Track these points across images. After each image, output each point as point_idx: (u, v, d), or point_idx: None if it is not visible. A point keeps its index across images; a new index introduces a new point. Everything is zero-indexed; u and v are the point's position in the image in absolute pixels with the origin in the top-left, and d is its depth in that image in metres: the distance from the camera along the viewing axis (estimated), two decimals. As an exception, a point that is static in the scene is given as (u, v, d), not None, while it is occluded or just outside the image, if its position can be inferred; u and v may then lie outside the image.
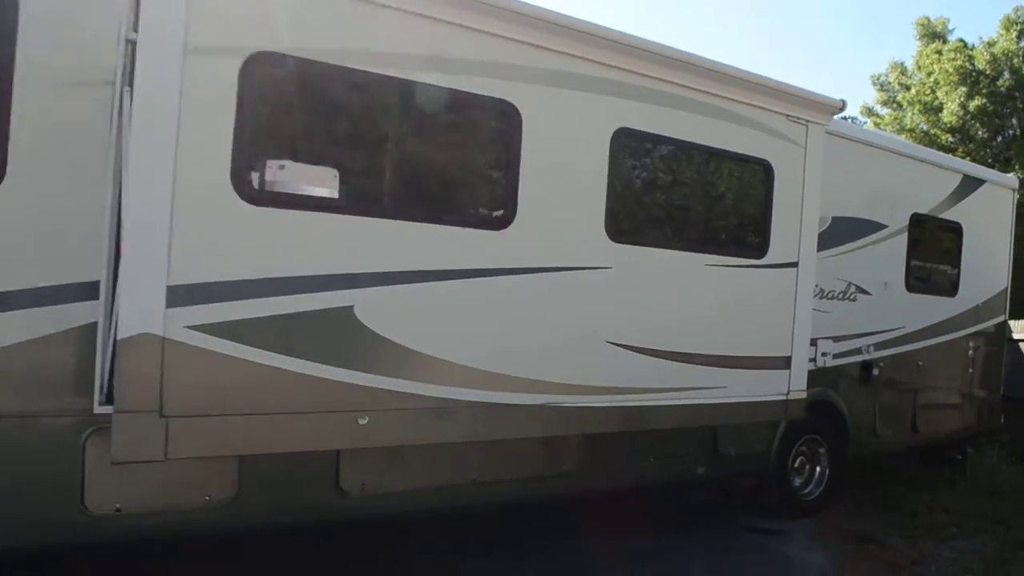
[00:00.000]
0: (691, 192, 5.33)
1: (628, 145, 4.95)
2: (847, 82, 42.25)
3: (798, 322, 5.76)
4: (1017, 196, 9.31)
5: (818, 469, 7.42)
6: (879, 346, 7.70)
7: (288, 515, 4.60)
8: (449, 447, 4.76)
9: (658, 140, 5.07)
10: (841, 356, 7.37)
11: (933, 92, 21.83)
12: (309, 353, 3.94)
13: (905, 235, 7.90)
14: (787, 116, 5.54)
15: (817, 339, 7.10)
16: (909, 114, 22.77)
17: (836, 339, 7.29)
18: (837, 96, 5.79)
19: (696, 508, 7.60)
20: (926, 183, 8.20)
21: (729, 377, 5.34)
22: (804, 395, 5.88)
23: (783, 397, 5.73)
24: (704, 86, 5.12)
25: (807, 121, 5.66)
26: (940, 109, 21.49)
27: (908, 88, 23.15)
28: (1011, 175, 9.25)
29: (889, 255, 7.78)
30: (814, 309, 6.97)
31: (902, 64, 23.78)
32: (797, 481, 7.31)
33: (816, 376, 7.12)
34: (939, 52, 21.52)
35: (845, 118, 22.58)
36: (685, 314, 5.17)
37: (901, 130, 22.64)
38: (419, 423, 4.23)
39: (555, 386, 4.59)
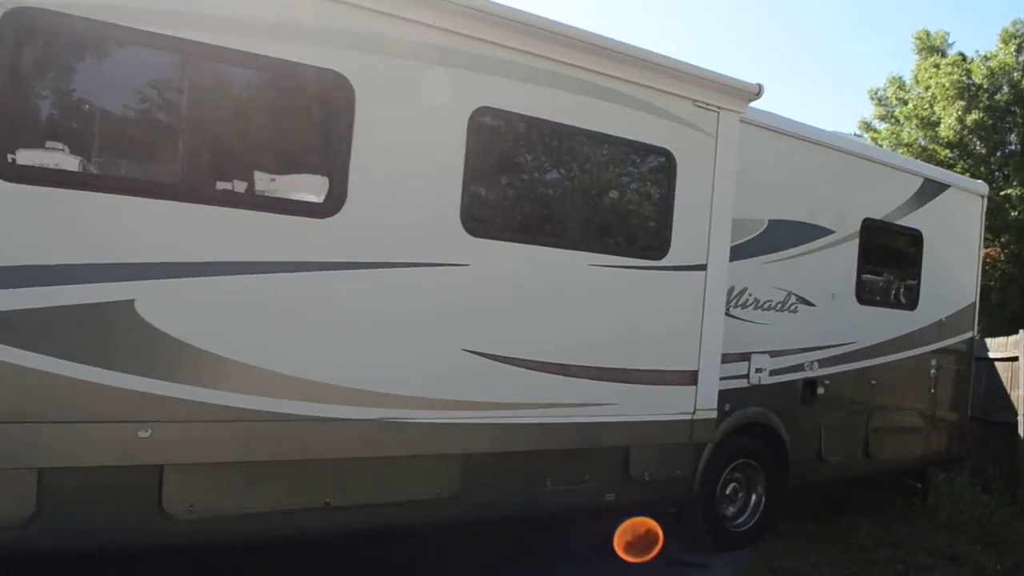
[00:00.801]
0: (571, 183, 4.73)
1: (492, 127, 4.38)
2: (846, 97, 41.68)
3: (707, 332, 5.14)
4: (986, 203, 8.66)
5: (754, 497, 6.76)
6: (825, 363, 7.05)
7: (99, 538, 4.02)
8: (296, 465, 4.18)
9: (531, 123, 4.48)
10: (780, 373, 6.72)
11: (931, 106, 21.30)
12: (79, 354, 3.37)
13: (856, 242, 7.27)
14: (693, 102, 4.95)
15: (751, 353, 6.48)
16: (906, 129, 22.19)
17: (773, 354, 6.65)
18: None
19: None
20: (880, 186, 7.57)
21: (619, 393, 4.73)
22: (714, 415, 5.25)
23: (688, 417, 5.11)
24: (590, 64, 4.54)
25: (718, 108, 5.06)
26: (938, 124, 20.92)
27: (906, 103, 22.60)
28: (979, 181, 8.61)
29: (836, 264, 7.14)
30: (747, 320, 6.42)
31: (900, 78, 23.26)
32: (730, 509, 6.65)
33: (750, 394, 6.50)
34: (937, 66, 21.04)
35: (861, 134, 22.24)
36: (562, 321, 4.56)
37: (898, 145, 22.04)
38: (215, 437, 3.65)
39: (394, 399, 3.99)
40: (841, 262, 7.18)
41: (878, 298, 7.63)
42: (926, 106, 21.50)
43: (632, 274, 4.77)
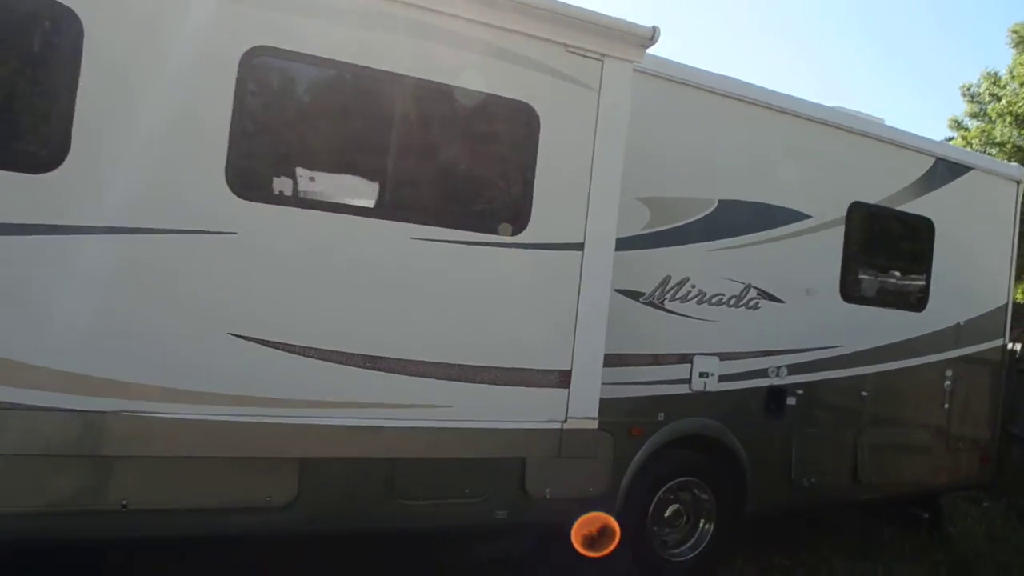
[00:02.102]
0: (384, 140, 3.96)
1: (273, 71, 3.70)
2: (939, 95, 38.88)
3: (584, 325, 4.29)
4: (1022, 187, 7.36)
5: (701, 523, 5.81)
6: (797, 369, 6.02)
7: None
8: (82, 461, 3.64)
9: (330, 67, 3.77)
10: (734, 379, 5.76)
11: None
12: None
13: (841, 229, 6.20)
14: (565, 47, 4.13)
15: (693, 355, 5.57)
16: (999, 127, 20.24)
17: (725, 356, 5.70)
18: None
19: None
20: (876, 165, 6.46)
21: (457, 394, 3.95)
22: (594, 424, 4.39)
23: (556, 425, 4.27)
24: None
25: (601, 55, 4.22)
26: None
27: (999, 99, 20.66)
28: (1014, 164, 7.32)
29: (814, 254, 6.10)
30: (687, 316, 5.52)
31: (995, 73, 21.32)
32: (670, 536, 5.73)
33: (693, 402, 5.59)
34: None
35: (952, 135, 20.51)
36: (369, 305, 3.83)
37: (989, 143, 20.16)
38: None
39: (127, 388, 3.37)
40: (820, 252, 6.13)
41: (871, 296, 6.51)
42: (1021, 103, 19.68)
43: (473, 251, 3.99)
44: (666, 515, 5.65)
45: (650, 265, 5.41)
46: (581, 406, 4.31)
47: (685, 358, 5.55)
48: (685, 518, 5.74)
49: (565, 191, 4.23)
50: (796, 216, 5.97)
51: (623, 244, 5.27)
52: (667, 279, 5.44)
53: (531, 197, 4.13)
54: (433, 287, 3.95)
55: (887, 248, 6.63)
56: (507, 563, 5.32)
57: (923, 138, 6.69)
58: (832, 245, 6.17)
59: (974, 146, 20.24)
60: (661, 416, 5.48)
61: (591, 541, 5.13)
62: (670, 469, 5.61)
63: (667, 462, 5.58)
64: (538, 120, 4.11)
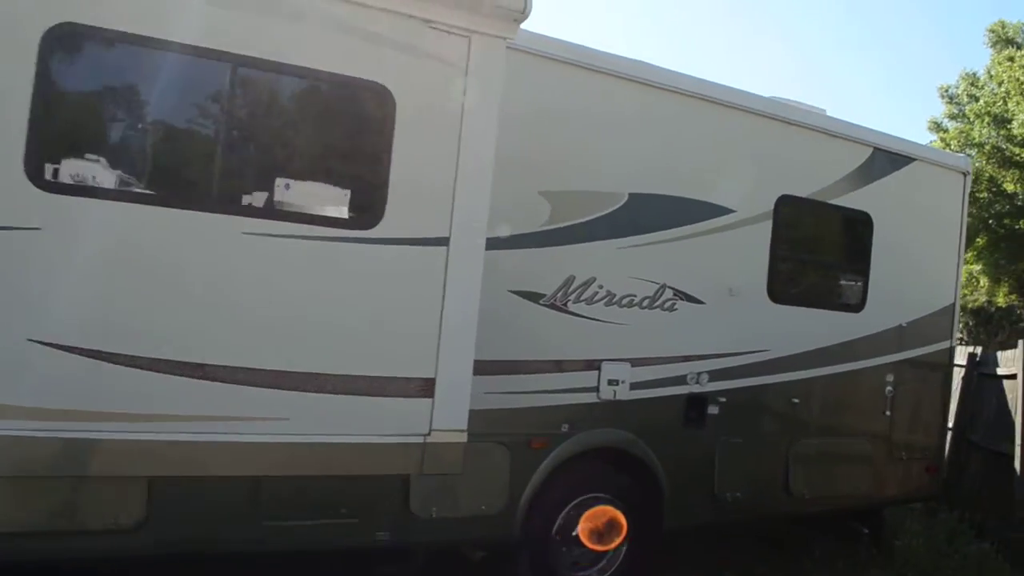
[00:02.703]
0: (211, 124, 3.54)
1: (80, 49, 3.29)
2: (919, 98, 38.65)
3: (451, 329, 3.86)
4: (970, 181, 6.97)
5: (616, 543, 5.38)
6: (720, 375, 5.60)
7: None
8: None
9: (148, 44, 3.35)
10: (648, 386, 5.34)
11: (1004, 103, 19.27)
12: None
13: (768, 225, 5.79)
14: (426, 22, 3.72)
15: (601, 361, 5.15)
16: (977, 127, 19.95)
17: (638, 362, 5.29)
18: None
19: None
20: (806, 156, 6.06)
21: (294, 404, 3.53)
22: (462, 437, 3.96)
23: (418, 439, 3.84)
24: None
25: (468, 32, 3.80)
26: (1011, 121, 18.90)
27: (977, 99, 20.39)
28: (960, 155, 6.93)
29: (737, 251, 5.69)
30: (594, 319, 5.11)
31: (973, 74, 21.09)
32: (582, 558, 5.30)
33: (602, 412, 5.18)
34: (1011, 59, 18.97)
35: (932, 136, 20.23)
36: (196, 307, 3.41)
37: (967, 144, 19.86)
38: None
39: None
40: (745, 249, 5.73)
41: (803, 296, 6.10)
42: (999, 102, 19.47)
43: (317, 248, 3.56)
44: (574, 534, 5.24)
45: (551, 264, 5.00)
46: (447, 418, 3.88)
47: (592, 364, 5.13)
48: (597, 538, 5.31)
49: (427, 180, 3.81)
50: (717, 211, 5.56)
51: (520, 242, 4.90)
52: (571, 279, 5.03)
53: (386, 187, 3.71)
54: (269, 288, 3.52)
55: (820, 245, 6.23)
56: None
57: (861, 127, 6.29)
58: (758, 242, 5.76)
59: (953, 147, 19.94)
60: (565, 427, 5.07)
61: (598, 535, 4.94)
62: (577, 484, 5.18)
63: (574, 477, 5.16)
64: (394, 102, 3.69)
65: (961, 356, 9.15)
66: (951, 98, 21.02)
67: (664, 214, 5.36)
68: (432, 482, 4.57)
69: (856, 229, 6.31)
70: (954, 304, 6.87)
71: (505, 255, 4.84)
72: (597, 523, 5.30)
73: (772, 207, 5.79)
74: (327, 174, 3.72)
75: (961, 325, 25.36)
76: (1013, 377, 7.36)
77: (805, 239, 6.11)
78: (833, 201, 6.12)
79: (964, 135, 19.66)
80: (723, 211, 5.58)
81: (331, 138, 3.85)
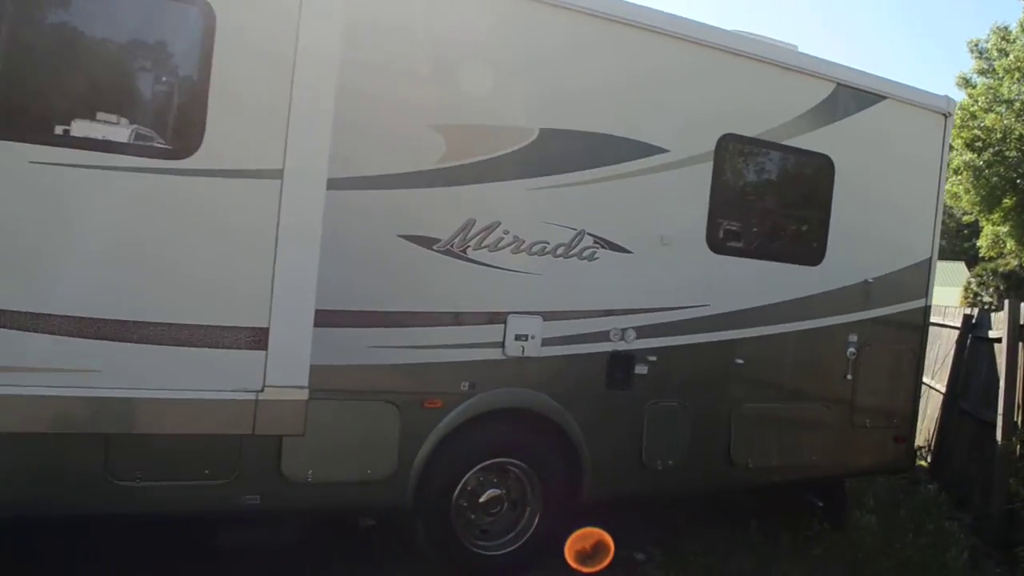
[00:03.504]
0: None
1: None
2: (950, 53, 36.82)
3: (287, 273, 3.41)
4: (952, 123, 6.28)
5: (527, 512, 4.95)
6: (650, 332, 5.09)
7: None
8: None
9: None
10: (564, 342, 4.86)
11: None
12: None
13: (708, 167, 5.22)
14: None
15: (507, 314, 4.68)
16: (1007, 83, 18.82)
17: (551, 316, 4.80)
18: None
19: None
20: (757, 91, 5.44)
21: (104, 356, 3.12)
22: (303, 395, 3.52)
23: (250, 396, 3.42)
24: None
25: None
26: None
27: (1007, 54, 19.21)
28: (942, 95, 6.23)
29: (671, 195, 5.13)
30: (498, 267, 4.64)
31: (1005, 27, 19.85)
32: (493, 526, 4.86)
33: (510, 370, 4.72)
34: None
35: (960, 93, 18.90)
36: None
37: (996, 101, 18.76)
38: None
39: None
40: (680, 194, 5.17)
41: (749, 247, 5.53)
42: (1030, 57, 18.41)
43: (121, 179, 3.11)
44: (481, 501, 4.81)
45: (447, 207, 4.52)
46: (284, 373, 3.45)
47: (496, 317, 4.66)
48: (505, 505, 4.89)
49: (254, 104, 3.34)
50: (647, 149, 5.01)
51: (409, 181, 4.43)
52: (470, 223, 4.54)
53: (204, 110, 3.25)
54: (65, 224, 3.10)
55: (770, 191, 5.63)
56: (256, 554, 4.52)
57: (822, 60, 5.64)
58: (696, 185, 5.20)
59: (980, 104, 18.90)
60: (465, 386, 4.62)
61: (585, 557, 4.66)
62: (481, 448, 4.75)
63: (477, 440, 4.73)
64: (215, 21, 3.22)
65: (958, 317, 8.54)
66: (980, 53, 19.90)
67: (582, 153, 4.83)
68: (308, 443, 4.19)
69: (814, 174, 5.70)
70: (931, 259, 6.22)
71: (392, 196, 4.39)
72: (508, 491, 4.91)
73: (713, 147, 5.22)
74: (132, 95, 3.29)
75: (992, 289, 24.32)
76: (998, 341, 6.72)
77: (752, 184, 5.53)
78: (787, 142, 5.51)
79: (992, 91, 18.61)
80: (653, 150, 5.03)
81: (137, 56, 3.39)
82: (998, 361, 6.86)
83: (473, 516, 4.83)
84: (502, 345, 4.68)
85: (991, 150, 18.28)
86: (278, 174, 3.38)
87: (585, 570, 4.72)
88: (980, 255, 23.54)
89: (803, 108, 5.57)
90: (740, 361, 5.41)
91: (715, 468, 5.43)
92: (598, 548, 4.77)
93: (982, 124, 18.46)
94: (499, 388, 4.72)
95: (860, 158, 5.81)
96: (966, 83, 20.26)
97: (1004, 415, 6.38)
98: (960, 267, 32.26)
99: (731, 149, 5.33)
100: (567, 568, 4.75)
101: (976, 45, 20.33)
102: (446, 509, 4.67)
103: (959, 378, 8.24)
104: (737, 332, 5.40)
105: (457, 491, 4.70)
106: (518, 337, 4.71)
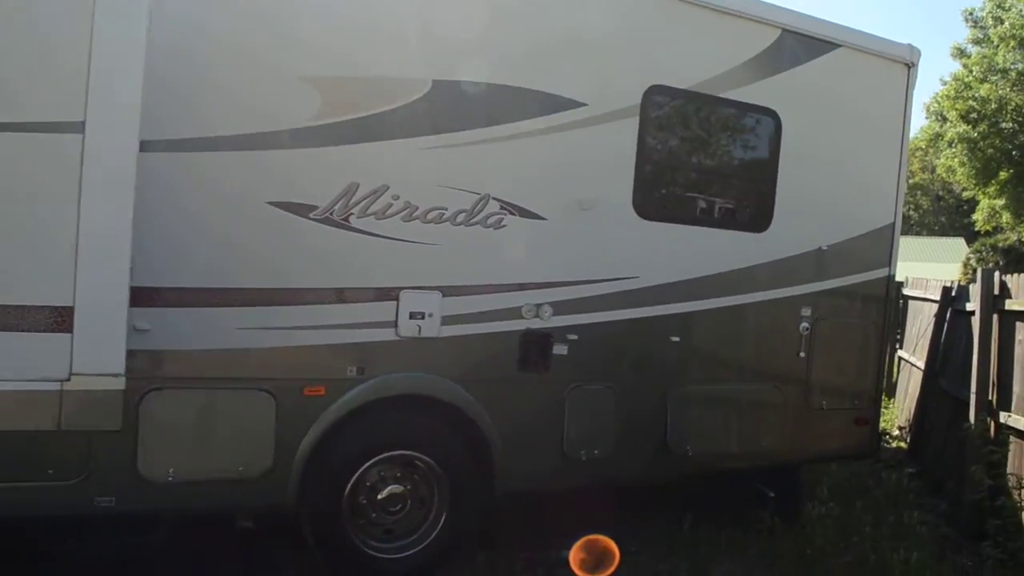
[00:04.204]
0: None
1: None
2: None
3: (92, 242, 2.90)
4: (916, 74, 5.70)
5: (434, 511, 4.44)
6: (568, 307, 4.56)
7: None
8: None
9: None
10: (468, 321, 4.34)
11: None
12: None
13: (634, 122, 4.67)
14: None
15: (400, 289, 4.16)
16: (1002, 51, 18.14)
17: (451, 292, 4.28)
18: None
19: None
20: (689, 37, 4.90)
21: None
22: (118, 384, 3.03)
23: (54, 386, 2.92)
24: None
25: None
26: None
27: (1002, 22, 18.53)
28: (904, 43, 5.66)
29: (590, 155, 4.59)
30: (387, 237, 4.12)
31: (1002, -6, 19.19)
32: (396, 526, 4.34)
33: (406, 352, 4.20)
34: None
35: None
36: None
37: (991, 71, 18.10)
38: None
39: None
40: (601, 153, 4.63)
41: (683, 212, 4.99)
42: (1025, 24, 17.75)
43: None
44: (380, 498, 4.31)
45: (324, 169, 4.00)
46: (94, 358, 2.96)
47: (386, 294, 4.14)
48: (409, 503, 4.38)
49: (42, 47, 2.82)
50: (561, 103, 4.47)
51: (276, 141, 3.91)
52: (353, 188, 4.02)
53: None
54: None
55: (707, 149, 5.07)
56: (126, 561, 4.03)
57: (765, 3, 5.07)
58: (619, 143, 4.66)
59: (975, 74, 18.24)
60: (352, 371, 4.11)
61: (590, 568, 4.19)
62: (376, 440, 4.25)
63: (370, 431, 4.23)
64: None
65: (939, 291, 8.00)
66: (975, 22, 19.23)
67: (484, 107, 4.29)
68: (168, 438, 3.71)
69: (757, 130, 5.15)
70: (894, 224, 5.66)
71: (256, 158, 3.87)
72: (414, 487, 4.40)
73: (639, 100, 4.67)
74: None
75: (991, 265, 23.63)
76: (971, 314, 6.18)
77: (686, 141, 4.96)
78: (726, 94, 4.96)
79: (987, 60, 17.94)
80: (569, 104, 4.48)
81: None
82: (974, 336, 6.32)
83: (375, 515, 4.33)
84: (395, 325, 4.16)
85: (986, 122, 17.63)
86: (78, 128, 2.86)
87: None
88: (976, 229, 22.88)
89: (743, 57, 5.01)
90: (676, 339, 4.88)
91: (649, 457, 4.91)
92: (604, 557, 4.26)
93: (977, 95, 17.80)
94: (393, 373, 4.21)
95: (811, 113, 5.26)
96: (960, 53, 19.59)
97: (977, 394, 5.84)
98: (960, 243, 31.62)
99: (660, 103, 4.78)
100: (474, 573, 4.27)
101: (971, 14, 19.67)
102: (336, 508, 4.16)
103: (938, 355, 7.70)
104: (672, 307, 4.87)
105: (349, 488, 4.19)
106: (413, 315, 4.19)
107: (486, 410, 4.39)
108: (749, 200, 5.19)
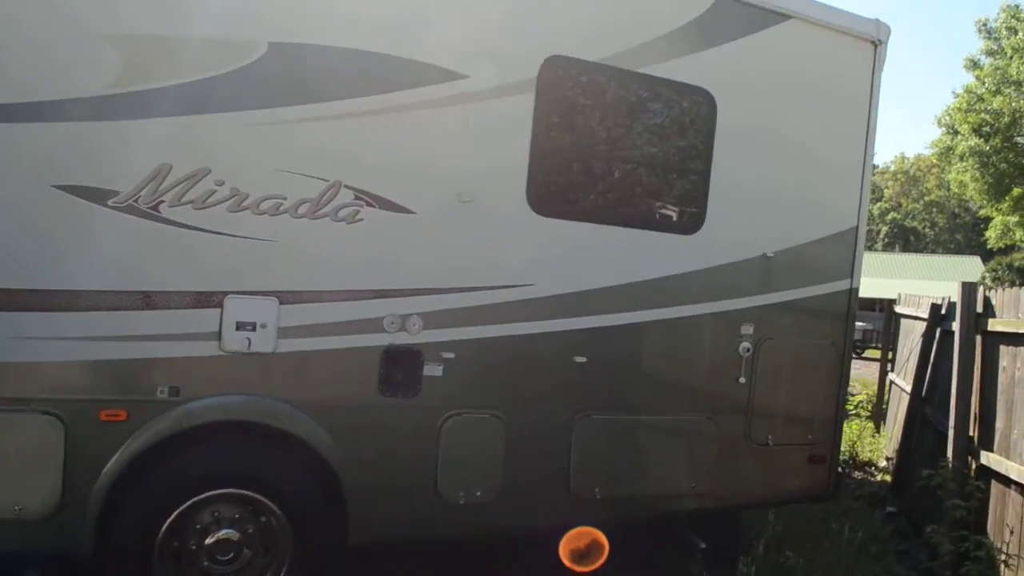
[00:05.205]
0: None
1: None
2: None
3: None
4: (883, 50, 4.90)
5: (275, 562, 3.66)
6: (443, 320, 3.80)
7: None
8: None
9: None
10: (314, 334, 3.59)
11: None
12: None
13: (529, 99, 3.92)
14: None
15: (224, 295, 3.44)
16: (1016, 63, 17.27)
17: (292, 298, 3.55)
18: None
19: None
20: (602, 1, 4.17)
21: None
22: None
23: None
24: None
25: None
26: None
27: (1016, 32, 17.68)
28: (872, 18, 4.87)
29: (472, 137, 3.85)
30: (207, 231, 3.43)
31: (1016, 5, 18.35)
32: (221, 578, 3.62)
33: (231, 371, 3.50)
34: None
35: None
36: None
37: (1004, 82, 17.21)
38: None
39: None
40: (487, 135, 3.89)
41: (590, 208, 4.20)
42: (1040, 35, 16.98)
43: None
44: (208, 543, 3.55)
45: (128, 147, 3.31)
46: None
47: (208, 300, 3.42)
48: (245, 551, 3.62)
49: None
50: (436, 75, 3.74)
51: (64, 112, 3.22)
52: (163, 171, 3.31)
53: None
54: None
55: (623, 133, 4.28)
56: None
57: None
58: (511, 124, 3.91)
59: (988, 86, 17.40)
60: (164, 391, 3.39)
61: (579, 556, 4.07)
62: (198, 474, 3.50)
63: (190, 464, 3.48)
64: None
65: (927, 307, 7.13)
66: (989, 32, 18.37)
67: (335, 77, 3.57)
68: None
69: (687, 113, 4.38)
70: (857, 228, 4.86)
71: (38, 132, 3.20)
72: (255, 531, 3.65)
73: (535, 74, 3.93)
74: None
75: (1007, 285, 22.54)
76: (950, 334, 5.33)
77: (596, 124, 4.19)
78: (646, 70, 4.20)
79: (1000, 72, 17.06)
80: (446, 76, 3.75)
81: None
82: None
83: (207, 563, 3.59)
84: (218, 337, 3.43)
85: (999, 135, 16.71)
86: None
87: (581, 570, 4.04)
88: (988, 247, 21.82)
89: (669, 27, 4.26)
90: (581, 359, 4.10)
91: (547, 501, 4.11)
92: (593, 546, 4.07)
93: (990, 108, 16.90)
94: (216, 395, 3.48)
95: (753, 94, 4.50)
96: (974, 65, 18.72)
97: (956, 428, 5.00)
98: (976, 262, 30.46)
99: (562, 77, 4.02)
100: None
101: (984, 24, 18.83)
102: (145, 555, 3.42)
103: (925, 379, 6.83)
104: (576, 321, 4.09)
105: (164, 531, 3.45)
106: (241, 326, 3.46)
107: (337, 442, 3.64)
108: (676, 196, 4.41)
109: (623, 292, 4.19)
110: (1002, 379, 4.69)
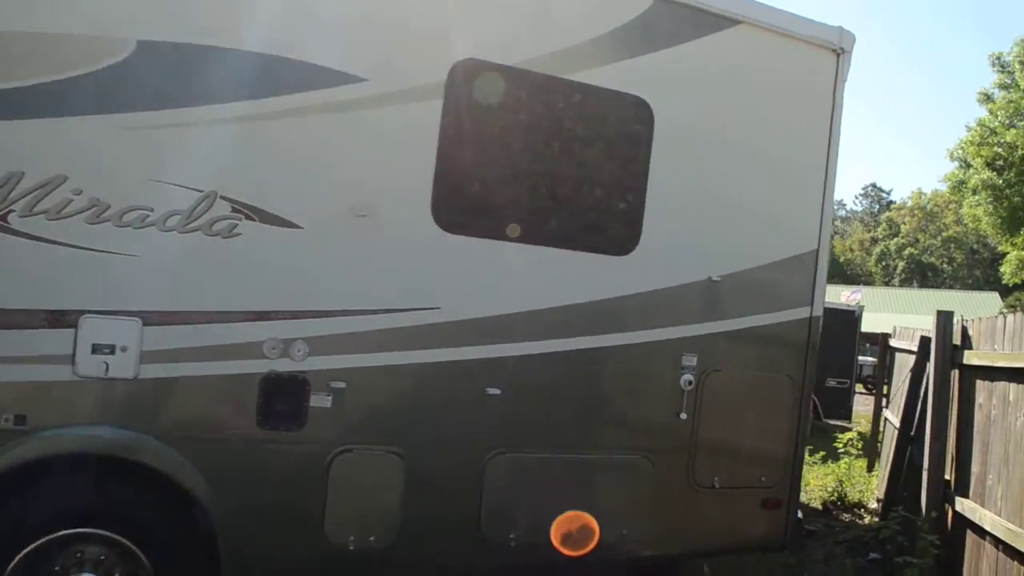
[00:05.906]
0: None
1: None
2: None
3: None
4: (848, 64, 4.51)
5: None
6: (332, 346, 3.44)
7: None
8: None
9: None
10: (184, 359, 3.24)
11: None
12: None
13: (436, 105, 3.58)
14: None
15: (78, 314, 3.11)
16: (1030, 97, 16.86)
17: (159, 318, 3.21)
18: None
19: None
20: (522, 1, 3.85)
21: None
22: None
23: None
24: None
25: None
26: None
27: (1030, 65, 17.31)
28: (835, 26, 4.49)
29: (369, 146, 3.52)
30: (61, 243, 3.11)
31: (1030, 41, 17.94)
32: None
33: (88, 399, 3.16)
34: None
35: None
36: None
37: (1016, 115, 16.74)
38: None
39: None
40: (386, 144, 3.55)
41: (507, 225, 3.81)
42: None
43: None
44: (59, 591, 3.20)
45: (-29, 150, 3.02)
46: None
47: (60, 319, 3.09)
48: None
49: None
50: (328, 78, 3.41)
51: None
52: (14, 178, 3.01)
53: None
54: None
55: (544, 144, 3.91)
56: None
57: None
58: (415, 132, 3.57)
59: (1000, 119, 16.93)
60: (8, 420, 3.05)
61: (571, 539, 3.86)
62: (46, 513, 3.14)
63: (36, 501, 3.13)
64: None
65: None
66: (1003, 66, 17.93)
67: (211, 78, 3.27)
68: None
69: (620, 124, 4.00)
70: (817, 252, 4.44)
71: None
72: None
73: (444, 78, 3.60)
74: None
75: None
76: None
77: (513, 134, 3.82)
78: (572, 76, 3.85)
79: (1013, 105, 16.59)
80: (340, 79, 3.43)
81: None
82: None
83: (62, 614, 3.23)
84: (71, 360, 3.10)
85: (1014, 170, 16.20)
86: None
87: (572, 553, 3.84)
88: (1003, 282, 21.09)
89: (599, 30, 3.91)
90: (495, 391, 3.70)
91: (454, 547, 3.70)
92: (583, 530, 3.86)
93: (1003, 141, 16.42)
94: (69, 425, 3.14)
95: (697, 105, 4.13)
96: (987, 99, 18.26)
97: (930, 471, 4.52)
98: (994, 298, 29.56)
99: (475, 83, 3.69)
100: None
101: (998, 58, 18.38)
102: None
103: (915, 416, 6.32)
104: (489, 348, 3.71)
105: (8, 573, 3.10)
106: (98, 348, 3.13)
107: (209, 480, 3.28)
108: (606, 213, 4.02)
109: (544, 318, 3.81)
110: (978, 417, 4.23)
